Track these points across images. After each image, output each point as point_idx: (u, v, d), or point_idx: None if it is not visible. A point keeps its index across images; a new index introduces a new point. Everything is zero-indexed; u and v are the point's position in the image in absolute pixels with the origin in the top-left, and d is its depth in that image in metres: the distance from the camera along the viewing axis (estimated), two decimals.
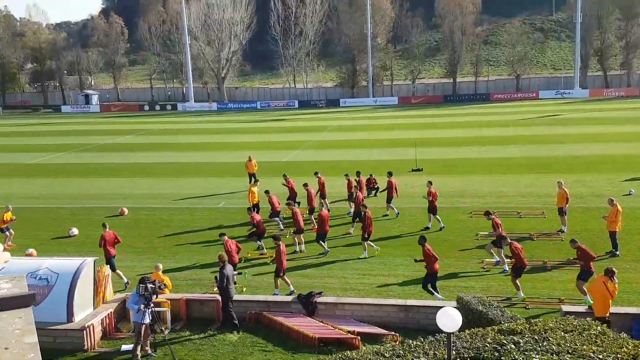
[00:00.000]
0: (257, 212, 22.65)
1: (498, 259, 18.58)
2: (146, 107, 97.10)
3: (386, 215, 24.87)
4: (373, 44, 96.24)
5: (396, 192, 24.82)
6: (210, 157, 43.42)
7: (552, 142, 43.73)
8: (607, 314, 12.86)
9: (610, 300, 13.03)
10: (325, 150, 44.54)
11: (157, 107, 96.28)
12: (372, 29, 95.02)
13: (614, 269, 13.31)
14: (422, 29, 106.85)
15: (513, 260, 16.41)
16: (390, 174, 25.75)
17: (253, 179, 30.32)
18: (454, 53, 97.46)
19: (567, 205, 21.90)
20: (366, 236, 19.81)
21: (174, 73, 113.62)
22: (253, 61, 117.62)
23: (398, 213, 24.81)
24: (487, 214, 19.26)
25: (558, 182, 22.61)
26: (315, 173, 27.02)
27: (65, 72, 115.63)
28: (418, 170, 34.66)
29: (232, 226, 24.15)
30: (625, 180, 29.99)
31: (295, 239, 20.76)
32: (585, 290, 15.31)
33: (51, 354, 13.40)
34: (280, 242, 16.94)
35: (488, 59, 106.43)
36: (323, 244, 20.31)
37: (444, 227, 22.58)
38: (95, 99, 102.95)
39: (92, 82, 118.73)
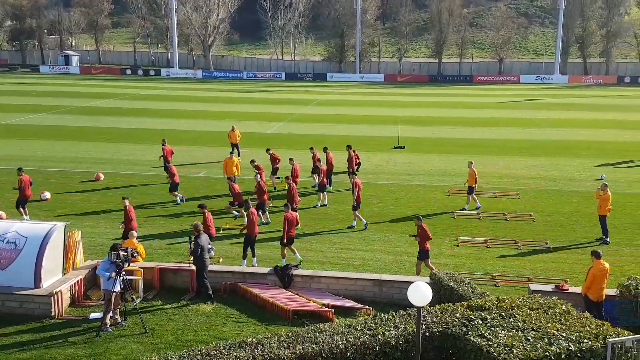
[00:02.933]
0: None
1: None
2: (128, 71, 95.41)
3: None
4: (362, 20, 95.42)
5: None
6: (193, 125, 42.92)
7: (530, 126, 44.06)
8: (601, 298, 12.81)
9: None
10: (310, 124, 44.28)
11: (140, 72, 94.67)
12: (361, 5, 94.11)
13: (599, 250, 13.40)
14: (411, 8, 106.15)
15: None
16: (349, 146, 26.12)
17: (237, 151, 30.22)
18: (441, 33, 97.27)
19: (475, 185, 22.35)
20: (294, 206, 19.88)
21: (159, 38, 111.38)
22: (241, 30, 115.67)
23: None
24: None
25: (469, 162, 22.91)
26: (267, 150, 26.85)
27: (46, 31, 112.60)
28: (400, 147, 34.69)
29: (213, 197, 24.00)
30: (598, 166, 30.39)
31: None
32: (421, 268, 15.94)
33: (17, 319, 13.25)
34: (206, 210, 17.00)
35: (473, 41, 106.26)
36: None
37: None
38: (75, 60, 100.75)
39: (73, 43, 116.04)
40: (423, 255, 15.89)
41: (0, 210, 20.04)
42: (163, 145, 26.75)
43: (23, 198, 20.35)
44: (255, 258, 16.80)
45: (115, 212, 21.74)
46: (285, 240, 16.69)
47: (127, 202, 17.47)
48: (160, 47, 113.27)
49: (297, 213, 19.32)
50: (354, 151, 28.37)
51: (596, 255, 13.00)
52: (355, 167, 28.19)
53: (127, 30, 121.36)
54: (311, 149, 25.98)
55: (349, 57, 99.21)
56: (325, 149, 25.82)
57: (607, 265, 12.91)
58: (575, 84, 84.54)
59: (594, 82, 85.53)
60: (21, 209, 20.34)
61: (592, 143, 36.84)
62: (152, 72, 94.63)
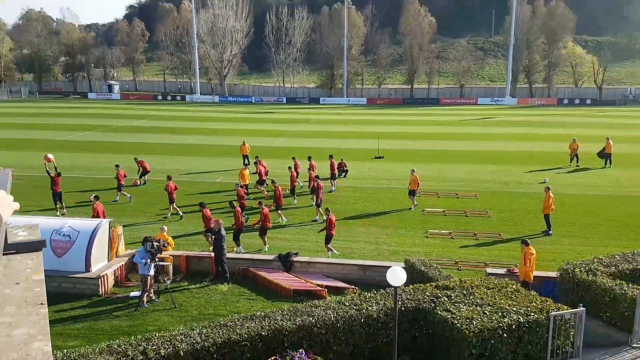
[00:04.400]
0: (248, 192, 22.70)
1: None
2: (159, 97, 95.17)
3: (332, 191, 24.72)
4: (348, 54, 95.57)
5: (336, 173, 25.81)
6: (212, 140, 42.85)
7: (486, 139, 44.16)
8: (531, 279, 12.97)
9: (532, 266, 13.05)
10: (307, 139, 44.28)
11: (169, 98, 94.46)
12: (347, 42, 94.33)
13: (527, 240, 13.55)
14: (388, 44, 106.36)
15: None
16: (331, 156, 25.88)
17: (247, 161, 30.28)
18: (413, 64, 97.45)
19: (417, 189, 22.16)
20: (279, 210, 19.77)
21: (183, 69, 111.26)
22: (250, 63, 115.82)
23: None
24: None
25: (411, 169, 22.67)
26: (256, 157, 27.08)
27: (93, 65, 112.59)
28: (380, 157, 34.72)
29: (228, 195, 24.00)
30: (541, 170, 30.52)
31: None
32: (332, 248, 16.35)
33: (71, 298, 13.28)
34: (205, 208, 17.26)
35: (439, 70, 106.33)
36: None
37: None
38: (116, 88, 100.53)
39: (115, 75, 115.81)
40: (328, 239, 16.25)
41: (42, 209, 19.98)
42: (136, 160, 27.03)
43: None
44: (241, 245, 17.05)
45: (149, 211, 21.74)
46: (259, 230, 17.01)
47: (95, 200, 17.48)
48: (185, 77, 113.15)
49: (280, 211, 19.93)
50: (342, 160, 28.56)
51: (525, 243, 13.16)
52: (343, 174, 28.30)
53: (158, 64, 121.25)
54: (293, 158, 26.07)
55: (338, 84, 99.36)
56: (309, 158, 25.80)
57: (533, 250, 13.05)
58: (522, 105, 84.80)
59: (538, 103, 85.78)
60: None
61: (537, 153, 36.96)
62: (178, 98, 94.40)
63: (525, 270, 12.90)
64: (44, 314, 1.29)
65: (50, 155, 21.35)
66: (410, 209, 22.33)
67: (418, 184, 22.10)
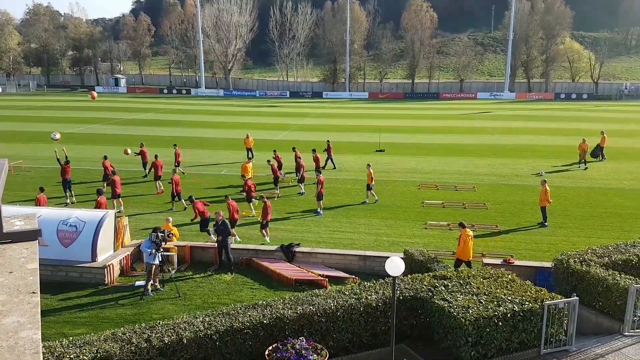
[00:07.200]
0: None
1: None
2: (165, 91, 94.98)
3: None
4: (350, 49, 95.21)
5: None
6: (217, 134, 42.81)
7: (484, 133, 44.02)
8: (469, 258, 13.44)
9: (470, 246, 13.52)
10: (310, 132, 44.19)
11: (174, 91, 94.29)
12: (350, 37, 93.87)
13: (463, 222, 14.10)
14: (390, 39, 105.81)
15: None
16: (314, 150, 25.95)
17: (251, 154, 30.23)
18: (414, 59, 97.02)
19: (372, 183, 21.59)
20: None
21: (189, 63, 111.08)
22: (254, 57, 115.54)
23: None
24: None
25: (367, 164, 22.19)
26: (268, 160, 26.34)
27: (100, 59, 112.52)
28: (381, 151, 34.66)
29: (231, 187, 24.02)
30: (544, 172, 30.38)
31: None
32: (266, 234, 16.52)
33: (78, 286, 13.32)
34: (194, 199, 17.34)
35: (440, 65, 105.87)
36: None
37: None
38: (123, 82, 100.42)
39: (121, 68, 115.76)
40: (265, 225, 16.56)
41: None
42: (141, 146, 26.99)
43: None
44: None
45: (154, 202, 21.76)
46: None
47: (40, 193, 17.60)
48: (190, 71, 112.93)
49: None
50: (327, 141, 28.70)
51: (462, 225, 13.78)
52: (328, 158, 28.46)
53: (163, 58, 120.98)
54: (274, 151, 26.15)
55: (340, 78, 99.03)
56: (293, 149, 25.88)
57: (470, 232, 13.64)
58: (521, 99, 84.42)
59: (535, 98, 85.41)
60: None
61: (534, 146, 36.83)
62: (183, 92, 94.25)
63: (460, 250, 13.48)
64: (36, 302, 1.28)
65: (95, 94, 22.35)
66: (365, 202, 21.67)
67: (372, 178, 21.47)
